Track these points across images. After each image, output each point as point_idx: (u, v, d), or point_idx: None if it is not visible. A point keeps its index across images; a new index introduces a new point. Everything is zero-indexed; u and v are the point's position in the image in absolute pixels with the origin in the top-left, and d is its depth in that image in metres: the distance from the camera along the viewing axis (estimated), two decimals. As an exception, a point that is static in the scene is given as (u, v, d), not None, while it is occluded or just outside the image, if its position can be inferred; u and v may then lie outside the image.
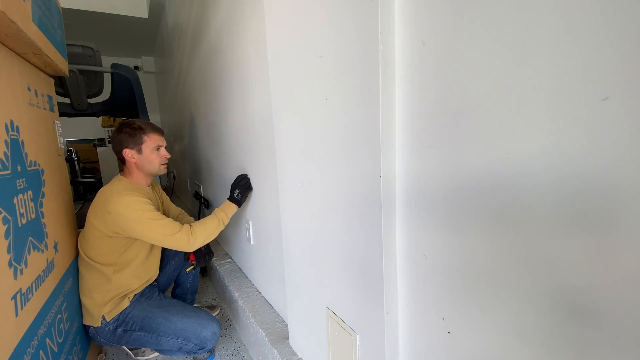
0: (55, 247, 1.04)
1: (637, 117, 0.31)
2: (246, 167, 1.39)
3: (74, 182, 4.22)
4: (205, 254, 1.49)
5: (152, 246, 1.34)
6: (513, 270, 0.43)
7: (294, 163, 0.87)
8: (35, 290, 0.86)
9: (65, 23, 1.32)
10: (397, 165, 0.59)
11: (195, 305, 1.71)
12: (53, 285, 0.99)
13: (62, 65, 1.21)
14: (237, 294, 1.49)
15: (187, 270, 1.55)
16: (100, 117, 4.29)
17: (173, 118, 3.53)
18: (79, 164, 4.49)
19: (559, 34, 0.35)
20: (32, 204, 0.90)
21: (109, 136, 3.45)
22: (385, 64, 0.55)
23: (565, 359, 0.39)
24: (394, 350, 0.65)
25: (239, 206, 1.35)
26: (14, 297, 0.74)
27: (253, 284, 1.56)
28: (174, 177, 3.71)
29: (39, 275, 0.89)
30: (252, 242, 1.48)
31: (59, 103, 1.38)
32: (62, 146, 1.27)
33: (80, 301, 1.23)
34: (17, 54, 0.92)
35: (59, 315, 1.01)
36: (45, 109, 1.12)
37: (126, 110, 2.85)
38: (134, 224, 1.15)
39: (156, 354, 1.38)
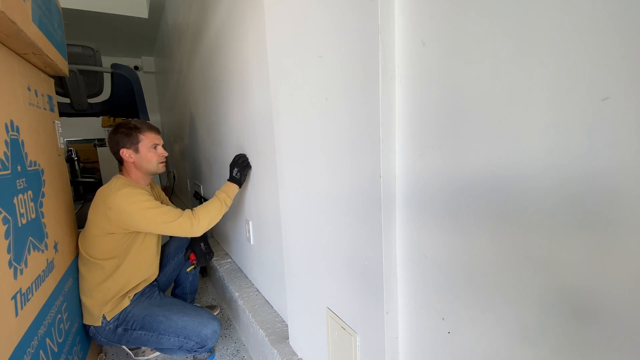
0: (55, 247, 1.04)
1: (637, 117, 0.31)
2: (246, 167, 1.39)
3: (74, 182, 4.22)
4: (205, 253, 1.49)
5: (152, 243, 1.35)
6: (513, 271, 0.43)
7: (294, 163, 0.87)
8: (35, 290, 0.86)
9: (65, 23, 1.32)
10: (397, 165, 0.59)
11: (196, 305, 1.71)
12: (53, 285, 0.99)
13: (62, 65, 1.21)
14: (237, 294, 1.49)
15: (188, 270, 1.55)
16: (100, 117, 4.29)
17: (173, 118, 3.53)
18: (79, 164, 4.49)
19: (559, 34, 0.35)
20: (32, 204, 0.90)
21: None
22: (385, 64, 0.55)
23: (565, 359, 0.39)
24: (394, 350, 0.65)
25: (240, 186, 1.34)
26: (14, 297, 0.74)
27: (253, 284, 1.56)
28: (174, 177, 3.71)
29: (39, 275, 0.89)
30: (252, 242, 1.48)
31: (59, 103, 1.38)
32: (62, 146, 1.27)
33: (80, 301, 1.23)
34: (17, 54, 0.92)
35: (59, 315, 1.01)
36: (45, 109, 1.12)
37: (126, 110, 2.85)
38: (135, 215, 1.15)
39: (156, 353, 1.38)
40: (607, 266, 0.34)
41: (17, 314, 0.75)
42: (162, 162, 1.34)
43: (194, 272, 1.62)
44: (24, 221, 0.84)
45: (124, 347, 1.36)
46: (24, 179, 0.86)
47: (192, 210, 1.25)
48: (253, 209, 1.41)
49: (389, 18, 0.54)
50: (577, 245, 0.36)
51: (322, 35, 0.67)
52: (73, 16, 3.05)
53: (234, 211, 1.68)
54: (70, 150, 4.40)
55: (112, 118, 4.19)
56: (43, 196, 0.99)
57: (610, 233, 0.34)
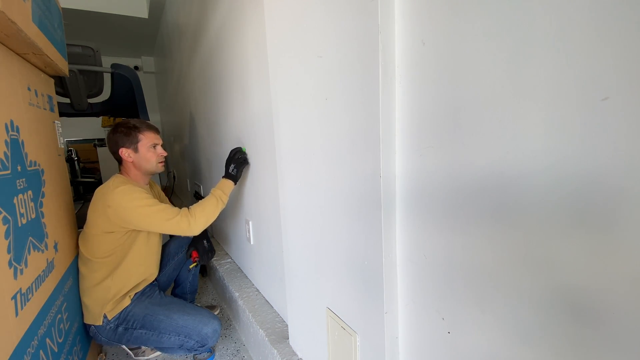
0: (55, 247, 1.04)
1: (637, 117, 0.31)
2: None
3: (74, 182, 4.22)
4: (207, 251, 1.50)
5: (153, 243, 1.35)
6: (513, 270, 0.43)
7: (294, 163, 0.87)
8: (35, 290, 0.86)
9: (65, 23, 1.32)
10: (397, 165, 0.59)
11: (196, 304, 1.71)
12: (53, 285, 0.99)
13: (62, 65, 1.21)
14: (237, 294, 1.49)
15: (190, 267, 1.55)
16: (100, 117, 4.29)
17: (173, 118, 3.53)
18: (79, 164, 4.49)
19: (559, 34, 0.35)
20: (32, 204, 0.90)
21: (109, 136, 3.48)
22: (385, 63, 0.55)
23: (565, 359, 0.39)
24: (394, 350, 0.65)
25: (235, 182, 1.33)
26: (14, 297, 0.74)
27: (253, 284, 1.56)
28: (174, 177, 3.71)
29: (39, 275, 0.89)
30: (252, 242, 1.48)
31: (59, 103, 1.38)
32: (62, 146, 1.27)
33: (80, 301, 1.23)
34: (17, 54, 0.92)
35: (59, 315, 1.01)
36: (45, 109, 1.12)
37: (126, 110, 2.85)
38: (132, 212, 1.16)
39: (157, 353, 1.38)
40: (606, 266, 0.34)
41: (17, 314, 0.75)
42: (162, 162, 1.34)
43: (193, 272, 1.62)
44: (24, 221, 0.84)
45: (123, 346, 1.36)
46: (24, 179, 0.86)
47: (188, 208, 1.25)
48: (253, 209, 1.41)
49: (389, 18, 0.54)
50: (577, 245, 0.36)
51: (322, 35, 0.67)
52: (73, 16, 3.05)
53: (234, 211, 1.68)
54: (70, 150, 4.40)
55: (112, 118, 4.19)
56: (43, 196, 0.99)
57: (610, 233, 0.34)
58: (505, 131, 0.42)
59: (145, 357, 1.37)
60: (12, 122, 0.83)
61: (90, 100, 2.48)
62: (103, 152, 4.28)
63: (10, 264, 0.74)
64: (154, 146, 1.30)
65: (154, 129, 1.33)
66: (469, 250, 0.49)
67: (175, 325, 1.20)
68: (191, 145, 2.60)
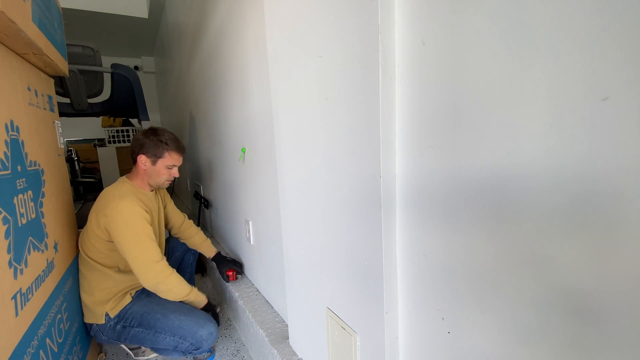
0: (55, 247, 1.04)
1: (637, 117, 0.31)
2: (246, 167, 1.39)
3: (74, 182, 4.21)
4: (239, 265, 1.62)
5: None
6: (513, 271, 0.43)
7: (293, 163, 0.87)
8: (35, 290, 0.86)
9: (65, 23, 1.32)
10: (397, 165, 0.59)
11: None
12: (53, 285, 0.99)
13: (62, 65, 1.21)
14: (237, 294, 1.49)
15: (229, 281, 1.59)
16: (100, 117, 4.28)
17: (173, 118, 3.53)
18: (79, 164, 4.48)
19: (559, 34, 0.35)
20: (32, 204, 0.90)
21: (109, 136, 3.46)
22: (385, 64, 0.55)
23: (565, 359, 0.39)
24: (394, 350, 0.65)
25: (206, 305, 1.33)
26: (14, 297, 0.74)
27: (253, 284, 1.56)
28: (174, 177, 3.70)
29: (39, 275, 0.89)
30: (252, 242, 1.48)
31: (59, 103, 1.38)
32: (62, 146, 1.27)
33: (80, 301, 1.23)
34: (17, 54, 0.92)
35: (59, 315, 1.02)
36: (45, 109, 1.12)
37: (126, 110, 2.85)
38: (120, 231, 1.15)
39: (156, 354, 1.38)
40: (607, 266, 0.34)
41: (17, 314, 0.75)
42: (169, 181, 1.38)
43: (189, 270, 1.69)
44: (24, 221, 0.84)
45: (123, 346, 1.36)
46: (24, 179, 0.86)
47: (170, 268, 1.23)
48: (253, 209, 1.41)
49: (389, 18, 0.54)
50: (577, 245, 0.36)
51: (322, 35, 0.67)
52: (73, 16, 3.05)
53: (234, 211, 1.68)
54: (70, 150, 4.39)
55: (112, 118, 4.19)
56: (43, 196, 0.99)
57: (610, 233, 0.34)
58: (506, 131, 0.42)
59: (145, 357, 1.37)
60: (12, 122, 0.83)
61: (90, 100, 2.48)
62: (103, 152, 4.28)
63: (10, 264, 0.74)
64: (171, 167, 1.33)
65: (181, 152, 1.36)
66: (469, 250, 0.49)
67: (171, 325, 1.20)
68: (191, 145, 2.60)
